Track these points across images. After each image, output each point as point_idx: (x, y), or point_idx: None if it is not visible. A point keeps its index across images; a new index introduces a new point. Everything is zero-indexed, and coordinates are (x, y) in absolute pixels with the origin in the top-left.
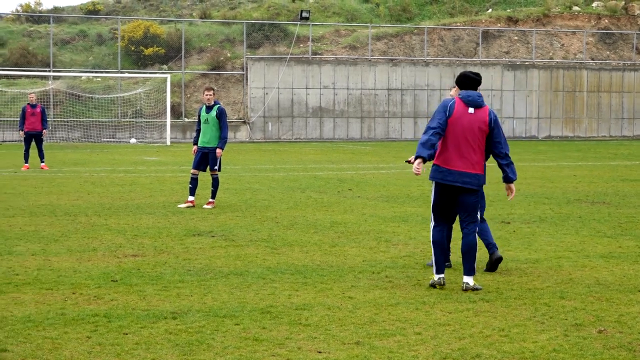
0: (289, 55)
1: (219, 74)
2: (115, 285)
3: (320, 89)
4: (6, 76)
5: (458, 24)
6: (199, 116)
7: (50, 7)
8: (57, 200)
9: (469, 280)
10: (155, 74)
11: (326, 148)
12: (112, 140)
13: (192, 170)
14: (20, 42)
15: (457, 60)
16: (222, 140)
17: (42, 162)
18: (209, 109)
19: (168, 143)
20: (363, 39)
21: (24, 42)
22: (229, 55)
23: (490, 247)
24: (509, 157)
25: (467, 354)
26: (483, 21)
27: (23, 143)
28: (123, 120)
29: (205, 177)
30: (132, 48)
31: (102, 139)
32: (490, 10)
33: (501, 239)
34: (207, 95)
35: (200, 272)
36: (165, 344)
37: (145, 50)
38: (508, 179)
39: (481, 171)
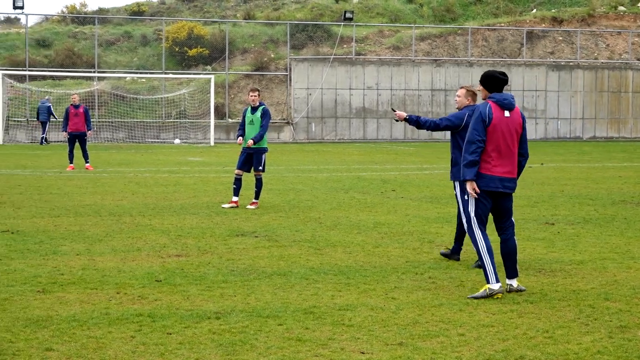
0: (332, 56)
1: (263, 74)
2: (159, 285)
3: (364, 89)
4: (52, 77)
5: (502, 24)
6: (244, 117)
7: (95, 8)
8: (101, 200)
9: (512, 282)
10: (199, 74)
11: (369, 149)
12: (156, 140)
13: (236, 171)
14: (66, 43)
15: (501, 60)
16: (258, 134)
17: (87, 162)
18: (254, 110)
19: (212, 143)
20: (407, 39)
21: (70, 43)
22: (272, 56)
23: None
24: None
25: (510, 356)
26: (527, 21)
27: (67, 144)
28: (167, 120)
29: (249, 178)
30: (176, 49)
31: (147, 140)
32: (534, 10)
33: (545, 240)
34: (252, 96)
35: (243, 272)
36: (209, 344)
37: (189, 51)
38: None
39: (516, 174)
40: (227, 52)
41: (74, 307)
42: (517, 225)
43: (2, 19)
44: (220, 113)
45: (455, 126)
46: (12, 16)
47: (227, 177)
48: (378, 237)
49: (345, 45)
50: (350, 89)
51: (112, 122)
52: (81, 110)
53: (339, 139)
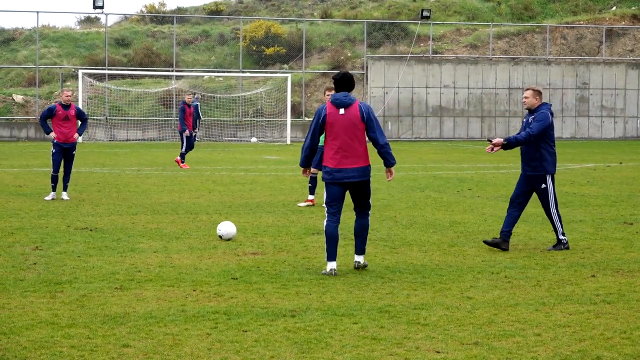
0: (409, 55)
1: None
2: (235, 283)
3: (441, 88)
4: (130, 76)
5: (581, 22)
6: None
7: (173, 7)
8: (179, 198)
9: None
10: (276, 73)
11: (446, 147)
12: (233, 139)
13: (312, 170)
14: (145, 42)
15: (580, 59)
16: None
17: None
18: None
19: (288, 142)
20: (484, 37)
21: (148, 42)
22: (349, 54)
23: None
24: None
25: (587, 356)
26: (607, 19)
27: (184, 141)
28: (244, 119)
29: None
30: (254, 48)
31: (224, 138)
32: (614, 8)
33: (623, 240)
34: (328, 95)
35: (319, 270)
36: (284, 342)
37: (267, 49)
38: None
39: (366, 164)
40: (304, 51)
41: (151, 304)
42: (595, 225)
43: (82, 18)
44: (296, 111)
45: (547, 126)
46: (92, 16)
47: (302, 175)
48: (454, 236)
49: (422, 44)
50: (427, 87)
51: None
52: (192, 109)
53: (415, 138)
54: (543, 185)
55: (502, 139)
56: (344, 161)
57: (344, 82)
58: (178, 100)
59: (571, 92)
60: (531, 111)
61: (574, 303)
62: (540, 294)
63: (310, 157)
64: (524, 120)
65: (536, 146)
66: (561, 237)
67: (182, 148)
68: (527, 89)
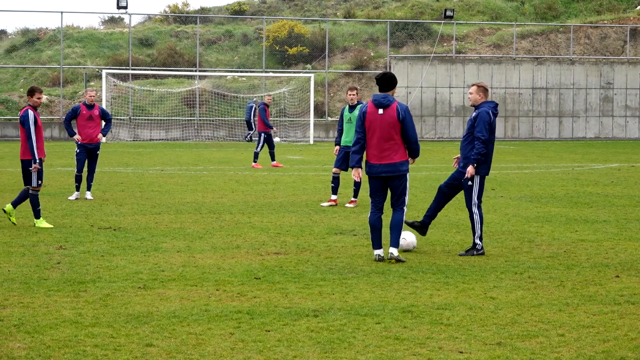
0: (432, 54)
1: (362, 73)
2: (258, 283)
3: (464, 88)
4: (154, 76)
5: (605, 22)
6: (342, 116)
7: (197, 7)
8: (202, 198)
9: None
10: (299, 73)
11: None
12: (256, 139)
13: (334, 169)
14: (168, 42)
15: (604, 58)
16: None
17: (274, 160)
18: (352, 108)
19: (311, 142)
20: (507, 37)
21: (172, 42)
22: (372, 54)
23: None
24: None
25: (611, 357)
26: (631, 18)
27: (272, 141)
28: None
29: (347, 176)
30: (277, 48)
31: (247, 138)
32: (638, 7)
33: None
34: (350, 95)
35: (342, 270)
36: (307, 342)
37: (290, 49)
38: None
39: (398, 159)
40: (327, 51)
41: (174, 303)
42: (619, 225)
43: (106, 18)
44: (319, 111)
45: (489, 124)
46: (116, 16)
47: (325, 175)
48: None
49: (445, 44)
50: (450, 87)
51: (212, 121)
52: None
53: (438, 138)
54: (469, 183)
55: (472, 168)
56: (380, 157)
57: (384, 83)
58: (201, 100)
59: (595, 92)
60: (476, 107)
61: (598, 303)
62: (564, 294)
63: (360, 155)
64: (471, 117)
65: (473, 145)
66: (477, 241)
67: (270, 148)
68: (472, 85)
